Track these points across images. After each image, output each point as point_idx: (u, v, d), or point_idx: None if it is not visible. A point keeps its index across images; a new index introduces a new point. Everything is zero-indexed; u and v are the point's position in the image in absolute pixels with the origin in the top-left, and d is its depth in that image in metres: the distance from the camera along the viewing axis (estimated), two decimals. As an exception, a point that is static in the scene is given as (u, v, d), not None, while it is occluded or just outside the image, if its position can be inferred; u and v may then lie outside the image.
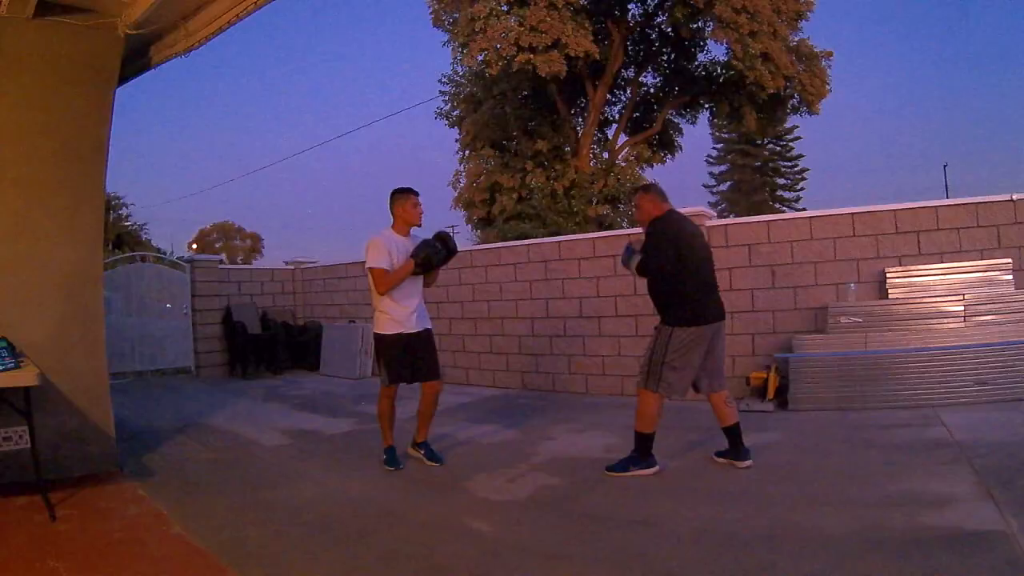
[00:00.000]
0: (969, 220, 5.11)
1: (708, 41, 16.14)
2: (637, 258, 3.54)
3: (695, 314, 3.40)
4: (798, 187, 34.69)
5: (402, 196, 3.82)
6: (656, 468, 3.43)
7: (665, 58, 17.35)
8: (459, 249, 4.35)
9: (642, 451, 3.44)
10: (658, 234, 3.47)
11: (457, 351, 7.42)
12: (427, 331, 3.86)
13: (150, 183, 76.22)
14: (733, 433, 3.53)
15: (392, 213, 3.84)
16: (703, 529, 2.69)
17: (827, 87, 16.18)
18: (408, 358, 3.78)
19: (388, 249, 3.68)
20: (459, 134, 18.31)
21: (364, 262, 3.77)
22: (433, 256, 3.71)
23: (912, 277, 5.15)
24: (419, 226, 3.91)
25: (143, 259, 9.63)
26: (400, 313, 3.75)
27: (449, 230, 4.20)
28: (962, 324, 4.86)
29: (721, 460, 3.57)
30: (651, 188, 3.74)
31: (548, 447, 4.22)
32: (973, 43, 57.24)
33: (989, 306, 4.82)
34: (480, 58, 14.44)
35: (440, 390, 3.92)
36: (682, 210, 5.97)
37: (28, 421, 3.10)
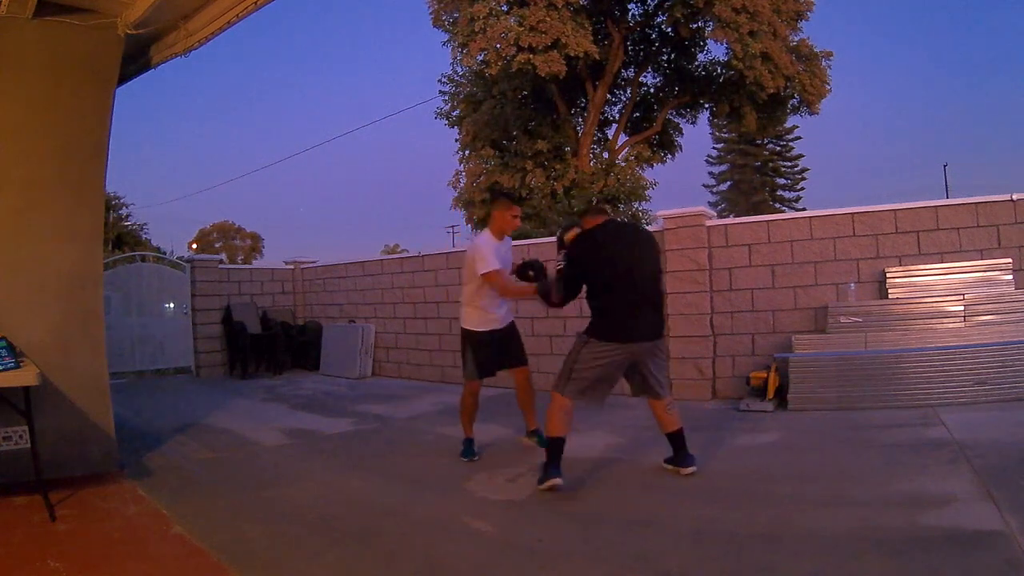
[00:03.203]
0: (969, 220, 5.12)
1: (708, 41, 16.15)
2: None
3: (612, 330, 3.24)
4: (798, 187, 34.81)
5: (506, 204, 4.01)
6: (555, 481, 3.16)
7: (665, 58, 17.36)
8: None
9: (549, 458, 3.24)
10: (572, 253, 3.37)
11: (457, 351, 7.35)
12: (512, 323, 4.10)
13: (150, 183, 76.32)
14: (677, 439, 3.44)
15: (492, 216, 4.04)
16: (703, 529, 2.68)
17: (827, 87, 16.20)
18: (497, 353, 4.00)
19: (495, 252, 3.84)
20: (459, 134, 18.31)
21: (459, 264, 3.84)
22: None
23: (912, 277, 5.15)
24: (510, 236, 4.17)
25: (143, 259, 9.62)
26: (494, 311, 3.96)
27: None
28: (962, 324, 4.86)
29: (668, 467, 3.47)
30: (578, 221, 3.50)
31: (548, 447, 4.22)
32: (973, 43, 57.35)
33: (989, 306, 4.83)
34: (480, 58, 14.44)
35: (530, 374, 4.15)
36: (682, 210, 6.06)
37: (28, 421, 3.10)
